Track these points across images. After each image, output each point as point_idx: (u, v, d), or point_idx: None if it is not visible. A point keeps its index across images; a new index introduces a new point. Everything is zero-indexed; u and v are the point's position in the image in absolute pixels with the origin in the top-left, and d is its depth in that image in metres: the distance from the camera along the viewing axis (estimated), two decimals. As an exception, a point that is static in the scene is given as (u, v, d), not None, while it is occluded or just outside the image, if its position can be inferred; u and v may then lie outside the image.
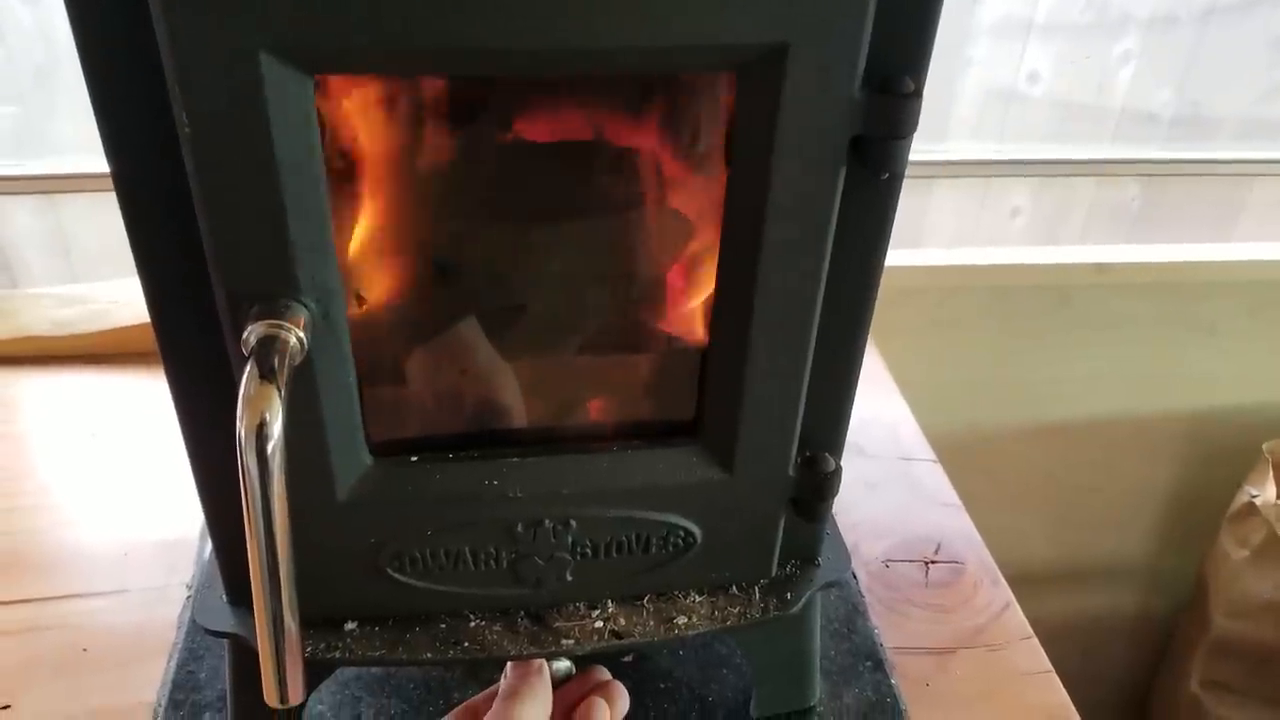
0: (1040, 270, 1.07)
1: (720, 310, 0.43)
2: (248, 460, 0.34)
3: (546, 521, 0.46)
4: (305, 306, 0.38)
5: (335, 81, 0.37)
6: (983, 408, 1.15)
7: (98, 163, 0.36)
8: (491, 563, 0.47)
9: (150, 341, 0.40)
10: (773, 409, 0.45)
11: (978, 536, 0.74)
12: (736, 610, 0.51)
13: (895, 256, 0.89)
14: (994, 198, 1.11)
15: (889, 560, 0.72)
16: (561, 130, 0.41)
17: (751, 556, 0.51)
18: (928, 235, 1.12)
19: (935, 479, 0.80)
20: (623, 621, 0.50)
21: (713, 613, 0.51)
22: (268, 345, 0.36)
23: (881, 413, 0.87)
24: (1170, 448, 1.24)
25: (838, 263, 0.42)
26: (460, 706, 0.51)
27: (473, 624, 0.49)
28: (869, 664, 0.62)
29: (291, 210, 0.36)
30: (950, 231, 1.12)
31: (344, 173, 0.39)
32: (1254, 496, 1.13)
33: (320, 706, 0.57)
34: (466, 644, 0.49)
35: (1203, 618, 1.19)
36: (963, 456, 0.90)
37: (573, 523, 0.47)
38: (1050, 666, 0.64)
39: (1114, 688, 1.43)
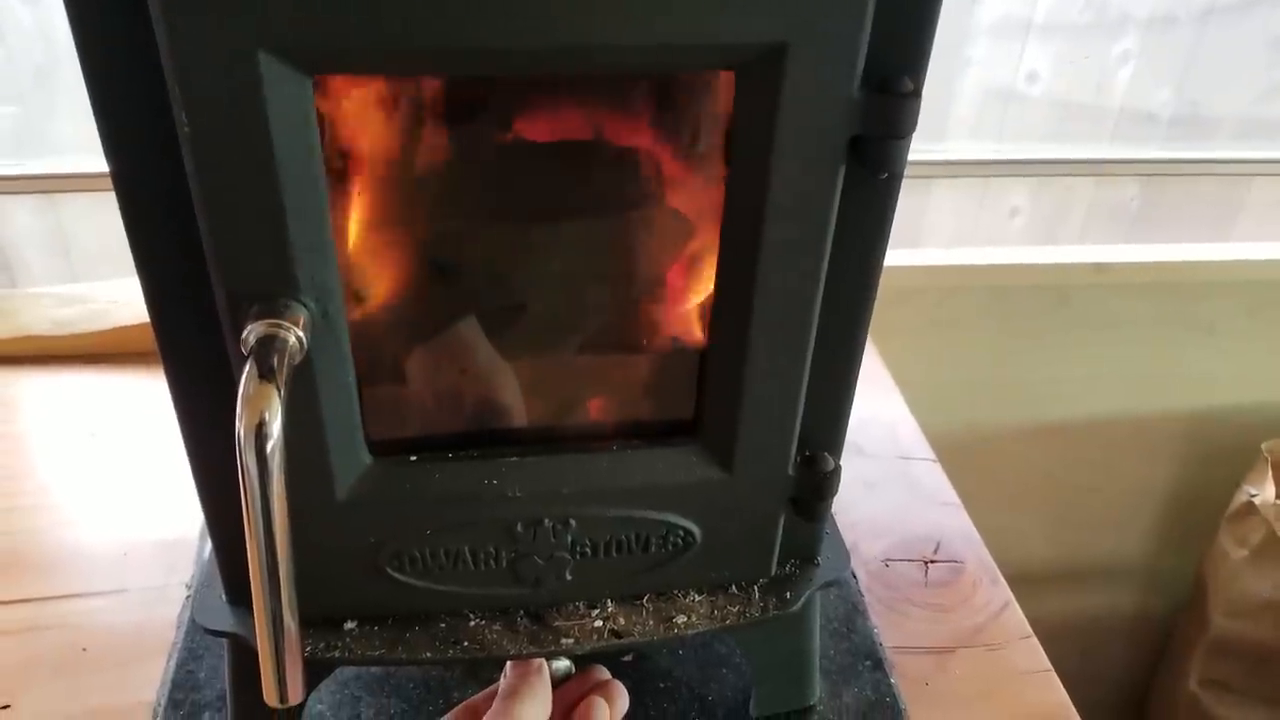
0: (1039, 270, 1.07)
1: (719, 310, 0.43)
2: (247, 460, 0.34)
3: (546, 521, 0.46)
4: (305, 306, 0.38)
5: (334, 81, 0.37)
6: (982, 407, 1.15)
7: (97, 162, 0.36)
8: (491, 562, 0.47)
9: (150, 341, 0.40)
10: (772, 408, 0.45)
11: (977, 536, 0.74)
12: (736, 609, 0.51)
13: (894, 256, 0.90)
14: (993, 197, 1.11)
15: (888, 559, 0.72)
16: (561, 130, 0.41)
17: (751, 556, 0.51)
18: (927, 235, 1.12)
19: (934, 478, 0.80)
20: (622, 621, 0.50)
21: (712, 612, 0.51)
22: (267, 345, 0.36)
23: (881, 412, 0.87)
24: (1169, 447, 1.24)
25: (837, 262, 0.42)
26: (460, 706, 0.51)
27: (472, 623, 0.49)
28: (868, 663, 0.62)
29: (291, 210, 0.36)
30: (949, 231, 1.12)
31: (343, 172, 0.39)
32: (1253, 496, 1.13)
33: (320, 706, 0.57)
34: (466, 643, 0.49)
35: (1202, 617, 1.19)
36: (962, 456, 0.90)
37: (572, 522, 0.47)
38: (1049, 666, 0.64)
39: (1113, 687, 1.43)
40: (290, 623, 0.37)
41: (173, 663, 0.60)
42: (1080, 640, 1.36)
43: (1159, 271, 1.09)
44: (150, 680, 0.59)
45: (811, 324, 0.43)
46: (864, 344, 0.46)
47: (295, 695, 0.38)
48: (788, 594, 0.52)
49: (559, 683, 0.53)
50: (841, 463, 0.49)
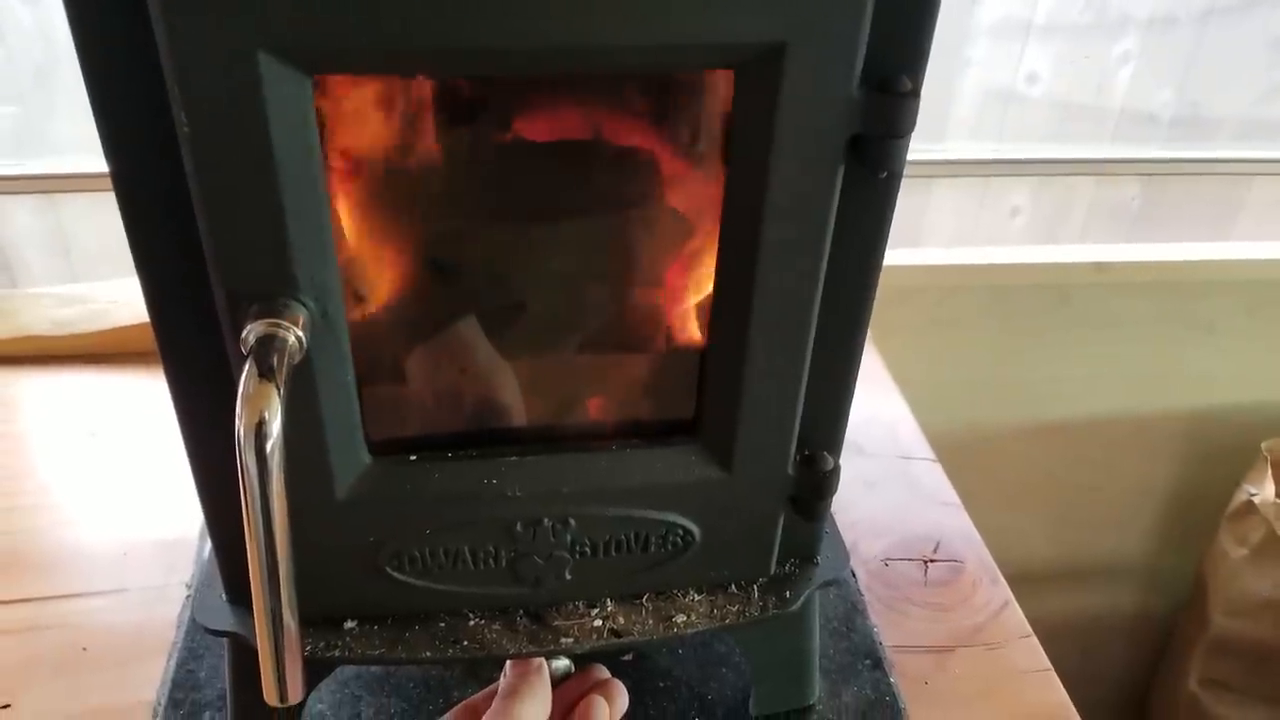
0: (1040, 269, 1.07)
1: (719, 309, 0.43)
2: (247, 459, 0.34)
3: (545, 520, 0.46)
4: (304, 305, 0.38)
5: (334, 81, 0.37)
6: (982, 407, 1.15)
7: (97, 162, 0.36)
8: (490, 561, 0.47)
9: (150, 341, 0.40)
10: (771, 408, 0.45)
11: (977, 535, 0.74)
12: (735, 609, 0.51)
13: (894, 256, 0.90)
14: (993, 197, 1.11)
15: (888, 559, 0.72)
16: (560, 129, 0.41)
17: (750, 555, 0.51)
18: (927, 234, 1.12)
19: (934, 478, 0.80)
20: (622, 620, 0.50)
21: (712, 611, 0.51)
22: (266, 344, 0.36)
23: (880, 411, 0.87)
24: (1169, 446, 1.24)
25: (836, 261, 0.42)
26: (460, 705, 0.51)
27: (472, 623, 0.49)
28: (868, 662, 0.62)
29: (290, 210, 0.36)
30: (949, 231, 1.12)
31: (343, 172, 0.39)
32: (1253, 495, 1.13)
33: (320, 705, 0.57)
34: (466, 643, 0.49)
35: (1201, 616, 1.19)
36: (962, 455, 0.90)
37: (572, 521, 0.47)
38: (1049, 665, 0.64)
39: (1113, 686, 1.43)
40: (290, 622, 0.37)
41: (173, 662, 0.60)
42: (1080, 639, 1.36)
43: (1159, 271, 1.09)
44: (150, 680, 0.59)
45: (811, 323, 0.43)
46: (864, 343, 0.46)
47: (295, 694, 0.39)
48: (787, 593, 0.52)
49: (558, 682, 0.53)
50: (841, 462, 0.49)
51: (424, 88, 0.39)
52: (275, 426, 0.34)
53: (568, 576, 0.49)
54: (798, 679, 0.58)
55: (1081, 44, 1.02)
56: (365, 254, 0.42)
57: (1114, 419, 1.20)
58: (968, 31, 0.99)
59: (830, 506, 0.51)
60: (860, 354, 0.46)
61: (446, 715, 0.50)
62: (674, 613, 0.51)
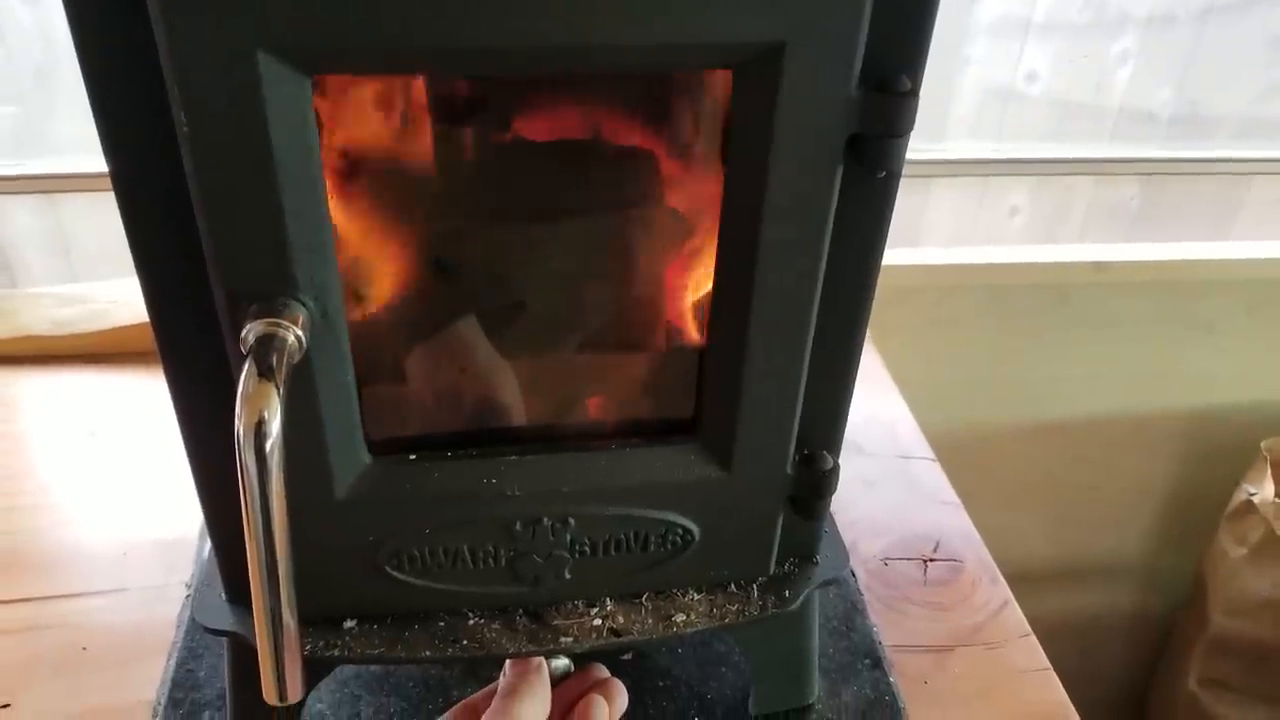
0: (1039, 269, 1.07)
1: (718, 308, 0.43)
2: (246, 458, 0.34)
3: (545, 519, 0.47)
4: (304, 305, 0.38)
5: (333, 81, 0.37)
6: (981, 406, 1.15)
7: (97, 163, 0.36)
8: (490, 561, 0.47)
9: (150, 341, 0.40)
10: (771, 407, 0.45)
11: (976, 534, 0.74)
12: (735, 608, 0.51)
13: (893, 255, 0.90)
14: (992, 196, 1.11)
15: (887, 558, 0.72)
16: (560, 129, 0.41)
17: (750, 554, 0.51)
18: (926, 234, 1.12)
19: (934, 477, 0.80)
20: (621, 619, 0.50)
21: (711, 610, 0.51)
22: (266, 344, 0.36)
23: (880, 411, 0.87)
24: (1168, 446, 1.24)
25: (835, 261, 0.42)
26: (459, 704, 0.51)
27: (471, 622, 0.49)
28: (867, 662, 0.62)
29: (290, 210, 0.36)
30: (948, 230, 1.12)
31: (342, 172, 0.39)
32: (1252, 494, 1.13)
33: (319, 705, 0.58)
34: (465, 642, 0.49)
35: (1201, 616, 1.19)
36: (961, 455, 0.90)
37: (571, 521, 0.47)
38: (1048, 664, 0.64)
39: (1112, 686, 1.43)
40: (290, 621, 0.37)
41: (172, 662, 0.60)
42: (1079, 639, 1.36)
43: (1159, 270, 1.09)
44: (150, 679, 0.59)
45: (810, 323, 0.43)
46: (863, 343, 0.46)
47: (295, 694, 0.39)
48: (786, 592, 0.52)
49: (558, 681, 0.53)
50: (840, 461, 0.49)
51: (424, 87, 0.39)
52: (275, 426, 0.34)
53: (567, 576, 0.49)
54: (797, 678, 0.58)
55: (1080, 43, 1.02)
56: (365, 254, 0.42)
57: (1113, 419, 1.20)
58: (966, 30, 0.99)
59: (829, 506, 0.51)
60: (859, 353, 0.46)
61: (446, 714, 0.50)
62: (673, 612, 0.51)
